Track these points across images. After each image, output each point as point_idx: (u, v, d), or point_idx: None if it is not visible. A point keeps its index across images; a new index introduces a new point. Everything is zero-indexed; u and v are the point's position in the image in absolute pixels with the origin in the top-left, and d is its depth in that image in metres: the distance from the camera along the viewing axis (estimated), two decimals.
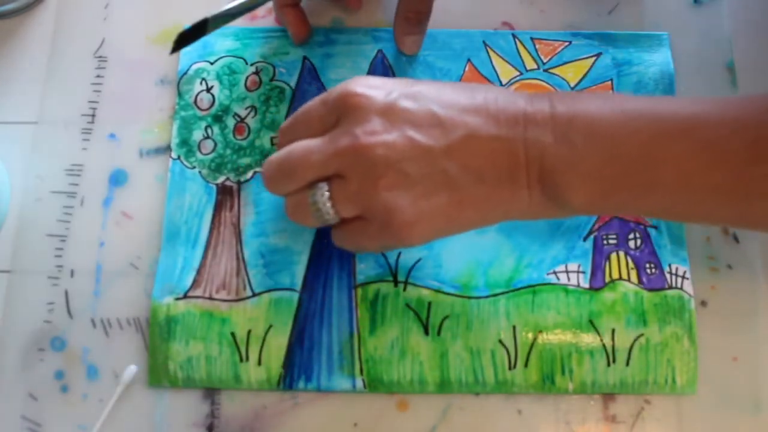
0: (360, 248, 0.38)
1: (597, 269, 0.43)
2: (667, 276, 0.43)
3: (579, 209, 0.35)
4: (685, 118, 0.33)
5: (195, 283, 0.43)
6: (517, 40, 0.48)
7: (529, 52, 0.48)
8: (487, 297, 0.43)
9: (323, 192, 0.35)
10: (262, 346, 0.42)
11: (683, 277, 0.43)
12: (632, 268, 0.43)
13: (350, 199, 0.35)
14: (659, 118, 0.34)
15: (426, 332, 0.42)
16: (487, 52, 0.48)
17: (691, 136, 0.33)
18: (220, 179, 0.45)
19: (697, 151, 0.33)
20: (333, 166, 0.35)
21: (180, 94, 0.47)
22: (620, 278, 0.43)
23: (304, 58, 0.48)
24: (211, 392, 0.42)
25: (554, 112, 0.34)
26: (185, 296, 0.43)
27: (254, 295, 0.43)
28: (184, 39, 0.44)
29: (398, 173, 0.33)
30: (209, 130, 0.46)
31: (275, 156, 0.37)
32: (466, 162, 0.34)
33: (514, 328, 0.42)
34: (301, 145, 0.36)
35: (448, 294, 0.43)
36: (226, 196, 0.45)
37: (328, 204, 0.35)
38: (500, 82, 0.47)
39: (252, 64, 0.48)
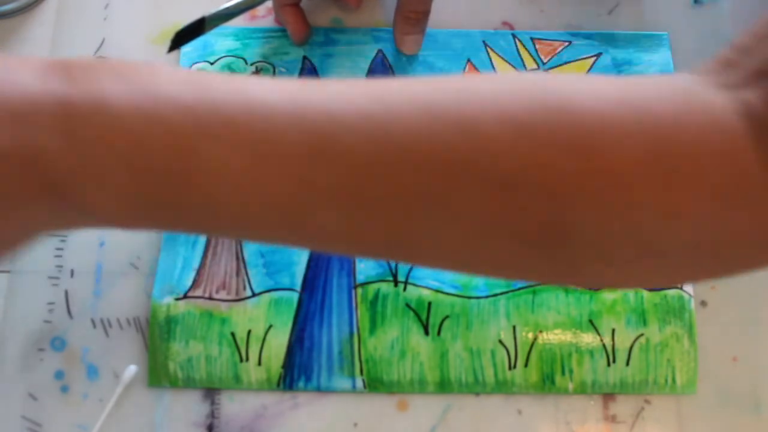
0: None
1: None
2: None
3: None
4: None
5: (195, 283, 0.43)
6: (517, 40, 0.48)
7: (529, 52, 0.48)
8: (487, 297, 0.43)
9: None
10: (262, 346, 0.42)
11: None
12: None
13: None
14: None
15: (426, 332, 0.42)
16: (487, 52, 0.48)
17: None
18: None
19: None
20: None
21: None
22: None
23: (304, 57, 0.48)
24: (211, 392, 0.42)
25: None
26: (185, 296, 0.43)
27: (254, 295, 0.43)
28: (181, 38, 0.44)
29: None
30: None
31: None
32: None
33: (514, 328, 0.42)
34: None
35: (448, 294, 0.43)
36: None
37: None
38: None
39: (252, 64, 0.48)
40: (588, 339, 0.42)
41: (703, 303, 0.43)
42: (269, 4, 0.48)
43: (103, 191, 0.25)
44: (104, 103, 0.24)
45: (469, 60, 0.48)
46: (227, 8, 0.45)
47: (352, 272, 0.43)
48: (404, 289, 0.43)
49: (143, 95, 0.24)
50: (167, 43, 0.44)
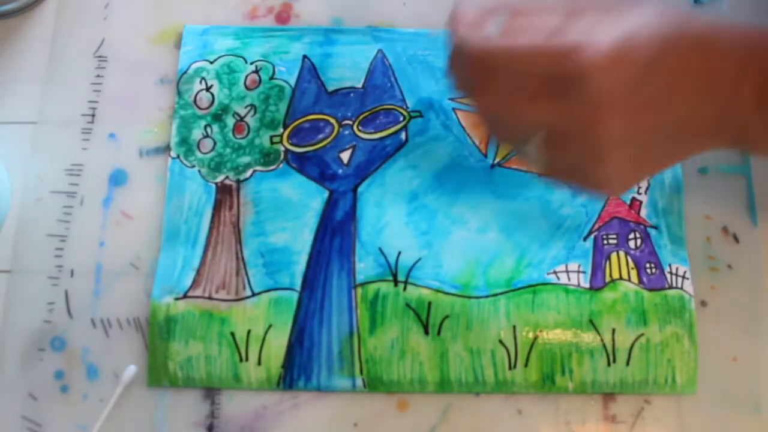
0: (555, 180, 0.35)
1: (597, 269, 0.43)
2: (668, 276, 0.43)
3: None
4: None
5: (194, 283, 0.43)
6: None
7: None
8: (487, 297, 0.43)
9: (534, 147, 0.33)
10: (261, 346, 0.42)
11: (683, 277, 0.43)
12: (632, 268, 0.43)
13: (563, 160, 0.33)
14: None
15: (426, 332, 0.42)
16: None
17: None
18: (220, 178, 0.45)
19: None
20: (556, 127, 0.32)
21: (179, 94, 0.47)
22: (620, 278, 0.43)
23: (304, 57, 0.48)
24: (211, 392, 0.42)
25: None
26: (185, 296, 0.43)
27: (254, 294, 0.43)
28: None
29: (620, 150, 0.32)
30: (209, 129, 0.46)
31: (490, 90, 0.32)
32: (679, 133, 0.33)
33: (514, 327, 0.42)
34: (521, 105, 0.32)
35: (448, 294, 0.43)
36: (225, 195, 0.45)
37: (538, 155, 0.33)
38: None
39: (252, 63, 0.48)
40: (588, 339, 0.42)
41: (703, 303, 0.43)
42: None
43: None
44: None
45: None
46: None
47: (351, 272, 0.43)
48: (404, 288, 0.43)
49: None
50: (167, 44, 0.44)
